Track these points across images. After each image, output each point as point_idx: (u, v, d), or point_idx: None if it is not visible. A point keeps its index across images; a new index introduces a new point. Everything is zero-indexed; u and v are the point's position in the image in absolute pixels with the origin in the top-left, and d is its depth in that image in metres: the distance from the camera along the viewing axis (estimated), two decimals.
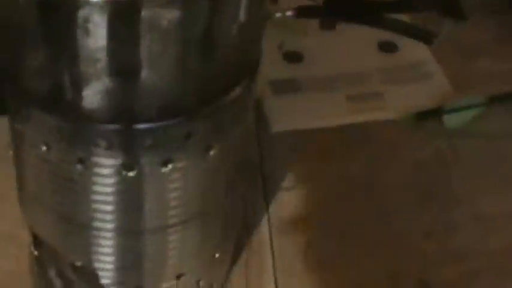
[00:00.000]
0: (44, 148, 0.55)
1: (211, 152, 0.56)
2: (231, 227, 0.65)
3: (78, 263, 0.61)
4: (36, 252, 0.67)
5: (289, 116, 0.83)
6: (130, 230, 0.58)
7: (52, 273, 0.67)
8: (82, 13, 0.47)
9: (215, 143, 0.56)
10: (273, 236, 0.72)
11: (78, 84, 0.51)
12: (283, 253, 0.71)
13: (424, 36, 0.64)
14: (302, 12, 0.57)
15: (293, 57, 0.90)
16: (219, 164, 0.57)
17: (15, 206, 0.65)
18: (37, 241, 0.66)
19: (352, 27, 0.93)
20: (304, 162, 0.79)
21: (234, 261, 0.69)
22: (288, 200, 0.75)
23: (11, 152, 0.70)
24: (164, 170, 0.55)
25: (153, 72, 0.50)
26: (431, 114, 0.87)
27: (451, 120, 0.87)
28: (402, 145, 0.84)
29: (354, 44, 0.94)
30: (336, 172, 0.79)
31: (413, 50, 0.95)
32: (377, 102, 0.87)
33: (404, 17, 0.78)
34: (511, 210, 0.78)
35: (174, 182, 0.56)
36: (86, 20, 0.48)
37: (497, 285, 0.70)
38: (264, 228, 0.73)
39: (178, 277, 0.63)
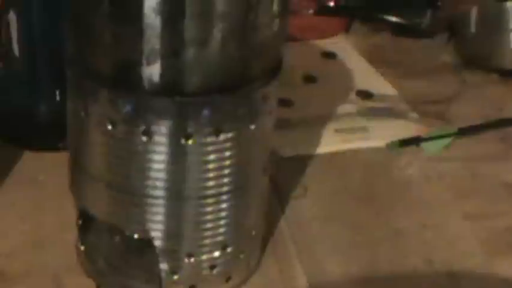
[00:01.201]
0: (110, 126, 0.64)
1: (253, 126, 0.66)
2: (264, 206, 0.74)
3: (134, 234, 0.68)
4: (82, 247, 0.75)
5: (289, 145, 0.93)
6: (185, 197, 0.66)
7: (101, 263, 0.74)
8: None
9: (257, 117, 0.66)
10: (292, 230, 0.81)
11: (142, 61, 0.61)
12: (303, 243, 0.80)
13: (413, 26, 0.76)
14: (321, 10, 0.68)
15: (285, 103, 1.02)
16: (260, 137, 0.67)
17: (49, 215, 0.74)
18: (83, 231, 0.74)
19: (331, 79, 1.06)
20: (308, 177, 0.89)
21: (263, 247, 0.77)
22: (299, 204, 0.85)
23: (40, 177, 0.79)
24: (217, 139, 0.64)
25: (201, 53, 0.60)
26: (412, 142, 0.98)
27: (429, 147, 0.98)
28: (390, 165, 0.94)
29: (335, 92, 1.06)
30: (336, 184, 0.89)
31: (385, 96, 1.07)
32: (362, 134, 0.98)
33: None
34: (485, 210, 0.88)
35: (225, 150, 0.65)
36: (150, 1, 0.58)
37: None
38: (282, 224, 0.82)
39: (223, 248, 0.70)
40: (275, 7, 0.61)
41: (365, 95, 1.06)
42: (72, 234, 0.75)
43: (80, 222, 0.74)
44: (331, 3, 0.69)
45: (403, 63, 1.19)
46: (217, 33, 0.59)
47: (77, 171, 0.69)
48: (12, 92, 0.87)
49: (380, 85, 1.09)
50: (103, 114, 0.63)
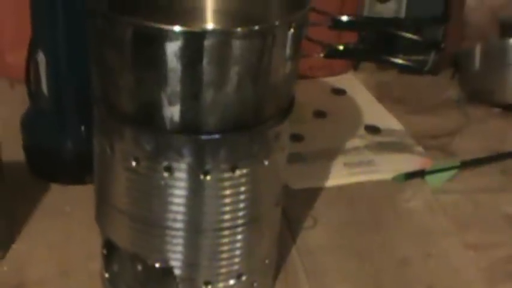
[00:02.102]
0: (134, 162, 0.69)
1: (266, 162, 0.71)
2: (276, 236, 0.78)
3: (155, 264, 0.73)
4: (107, 275, 0.79)
5: (300, 178, 0.98)
6: (203, 229, 0.71)
7: None
8: (169, 42, 0.63)
9: (270, 153, 0.70)
10: (302, 259, 0.85)
11: (164, 102, 0.65)
12: (313, 271, 0.84)
13: (418, 66, 0.81)
14: (330, 54, 0.73)
15: (296, 137, 1.06)
16: (274, 172, 0.72)
17: (76, 244, 0.79)
18: (108, 260, 0.79)
19: (340, 114, 1.11)
20: (318, 209, 0.94)
21: (275, 275, 0.82)
22: (309, 235, 0.89)
23: (67, 209, 0.84)
24: (233, 174, 0.69)
25: (221, 93, 0.65)
26: (416, 175, 1.02)
27: (433, 180, 1.02)
28: (395, 198, 0.99)
29: (344, 127, 1.11)
30: (344, 215, 0.94)
31: (392, 131, 1.12)
32: (370, 167, 1.03)
33: None
34: (486, 241, 0.92)
35: (240, 185, 0.70)
36: (171, 48, 0.63)
37: None
38: (294, 253, 0.86)
39: (238, 277, 0.75)
40: (287, 52, 0.66)
41: (373, 130, 1.11)
42: (97, 262, 0.80)
43: (105, 251, 0.79)
44: (341, 47, 0.74)
45: (409, 99, 1.24)
46: (233, 77, 0.64)
47: (103, 204, 0.74)
48: (40, 129, 0.92)
49: (387, 120, 1.13)
50: (127, 151, 0.68)
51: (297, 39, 0.65)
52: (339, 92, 1.21)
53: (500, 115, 1.21)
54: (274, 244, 0.78)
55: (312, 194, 0.97)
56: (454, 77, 1.28)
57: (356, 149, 1.06)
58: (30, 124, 0.93)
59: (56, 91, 0.89)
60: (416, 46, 0.76)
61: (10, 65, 1.11)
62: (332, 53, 0.70)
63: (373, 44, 0.88)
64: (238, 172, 0.68)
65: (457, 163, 1.04)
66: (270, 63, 0.65)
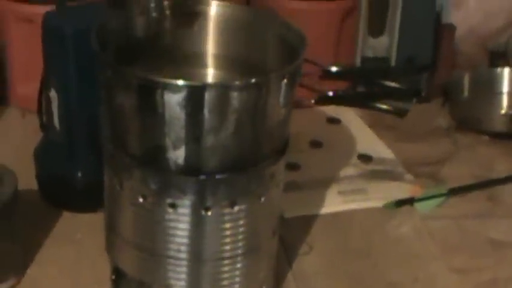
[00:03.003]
0: (141, 199, 0.75)
1: (263, 199, 0.76)
2: (273, 263, 0.83)
3: None
4: None
5: (296, 206, 1.04)
6: (204, 259, 0.76)
7: None
8: (172, 94, 0.68)
9: (266, 191, 0.76)
10: (298, 283, 0.91)
11: (169, 146, 0.71)
12: None
13: (399, 112, 0.87)
14: (321, 100, 0.79)
15: (292, 167, 1.12)
16: (270, 207, 0.77)
17: (86, 270, 0.86)
18: (116, 285, 0.84)
19: (335, 144, 1.17)
20: (312, 236, 0.99)
21: None
22: (304, 260, 0.95)
23: (78, 236, 0.89)
24: (231, 210, 0.75)
25: (219, 138, 0.71)
26: (406, 202, 1.08)
27: (422, 207, 1.08)
28: (385, 224, 1.04)
29: (338, 156, 1.17)
30: (338, 242, 0.99)
31: (384, 159, 1.17)
32: (362, 195, 1.08)
33: None
34: (471, 264, 0.98)
35: (239, 220, 0.75)
36: (174, 99, 0.69)
37: None
38: (289, 278, 0.92)
39: None
40: (281, 100, 0.71)
41: (365, 158, 1.16)
42: (107, 286, 0.85)
43: (113, 277, 0.84)
44: (330, 93, 0.79)
45: (401, 127, 1.29)
46: (231, 124, 0.69)
47: (111, 234, 0.79)
48: (52, 160, 0.98)
49: (379, 149, 1.19)
50: (135, 188, 0.74)
51: (290, 88, 0.71)
52: (334, 121, 1.26)
53: (488, 143, 1.25)
54: (271, 271, 0.84)
55: (307, 221, 1.02)
56: (445, 105, 1.33)
57: (349, 177, 1.11)
58: (42, 155, 0.98)
59: (67, 125, 0.95)
60: (400, 93, 0.81)
61: (21, 96, 1.17)
62: (322, 100, 0.76)
63: (361, 91, 0.94)
64: (236, 208, 0.74)
65: (445, 190, 1.09)
66: (265, 111, 0.70)
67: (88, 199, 0.97)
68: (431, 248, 1.00)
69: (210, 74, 0.81)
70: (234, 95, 0.68)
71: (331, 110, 1.29)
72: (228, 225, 0.74)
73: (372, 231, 1.02)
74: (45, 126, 0.98)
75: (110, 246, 0.80)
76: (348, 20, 1.27)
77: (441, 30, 1.38)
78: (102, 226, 0.83)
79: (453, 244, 1.02)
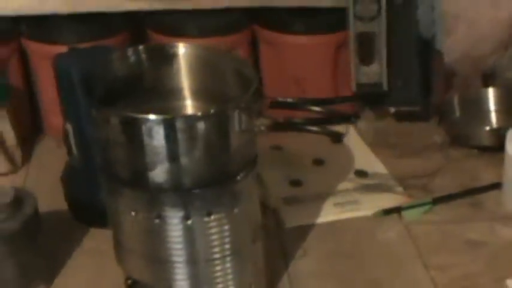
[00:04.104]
0: (133, 213, 0.84)
1: (236, 210, 0.85)
2: (261, 267, 0.91)
3: None
4: None
5: (295, 217, 1.12)
6: (194, 261, 0.85)
7: None
8: (148, 126, 0.77)
9: (238, 202, 0.84)
10: (292, 283, 0.99)
11: (150, 169, 0.80)
12: None
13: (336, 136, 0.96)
14: (273, 127, 0.88)
15: (295, 183, 1.20)
16: (245, 217, 0.86)
17: (108, 276, 0.95)
18: None
19: (336, 161, 1.24)
20: (308, 242, 1.07)
21: None
22: (300, 263, 1.03)
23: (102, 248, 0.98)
24: (208, 219, 0.83)
25: (192, 160, 0.80)
26: (394, 211, 1.15)
27: (409, 214, 1.15)
28: (374, 230, 1.11)
29: (338, 172, 1.24)
30: (330, 246, 1.07)
31: (378, 174, 1.24)
32: (355, 206, 1.15)
33: None
34: (449, 262, 1.05)
35: (217, 227, 0.84)
36: (151, 130, 0.78)
37: None
38: (285, 278, 1.00)
39: None
40: (241, 124, 0.80)
41: (361, 174, 1.24)
42: None
43: (129, 282, 0.93)
44: (281, 120, 0.89)
45: (400, 145, 1.36)
46: (200, 147, 0.80)
47: (118, 246, 0.89)
48: (76, 183, 1.08)
49: (375, 165, 1.26)
50: (127, 205, 0.83)
51: (247, 115, 0.80)
52: (337, 140, 1.34)
53: (476, 156, 1.31)
54: (261, 273, 0.92)
55: (304, 230, 1.10)
56: (440, 123, 1.40)
57: (345, 190, 1.19)
58: (67, 179, 1.08)
59: (83, 153, 1.04)
60: (336, 118, 0.90)
61: (55, 126, 1.26)
62: (275, 126, 0.85)
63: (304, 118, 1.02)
64: (213, 217, 0.82)
65: (429, 199, 1.15)
66: (228, 134, 0.80)
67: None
68: (413, 249, 1.07)
69: (189, 105, 0.91)
70: (200, 123, 0.78)
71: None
72: (210, 231, 0.84)
73: (361, 237, 1.09)
74: (68, 153, 1.08)
75: (118, 256, 0.90)
76: (342, 50, 1.35)
77: (433, 56, 1.45)
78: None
79: (433, 245, 1.08)
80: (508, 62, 1.49)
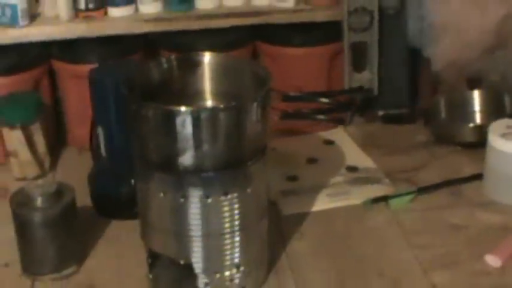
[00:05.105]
0: (162, 194, 1.13)
1: (249, 190, 1.14)
2: (265, 241, 1.20)
3: (181, 261, 1.16)
4: (151, 276, 1.23)
5: (292, 206, 1.41)
6: (211, 235, 1.13)
7: (163, 285, 1.22)
8: (181, 117, 1.07)
9: (251, 184, 1.14)
10: (290, 260, 1.28)
11: (178, 155, 1.09)
12: (297, 269, 1.26)
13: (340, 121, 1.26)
14: (284, 116, 1.18)
15: (292, 178, 1.49)
16: (255, 196, 1.14)
17: (129, 258, 1.23)
18: (151, 266, 1.22)
19: (328, 160, 1.54)
20: (304, 227, 1.36)
21: (268, 270, 1.24)
22: (296, 244, 1.32)
23: (123, 237, 1.27)
24: (225, 198, 1.12)
25: (214, 146, 1.08)
26: (381, 200, 1.44)
27: (394, 203, 1.44)
28: (363, 217, 1.40)
29: (330, 169, 1.54)
30: (324, 230, 1.36)
31: (367, 169, 1.54)
32: (346, 196, 1.45)
33: None
34: (431, 242, 1.33)
35: (233, 204, 1.12)
36: (183, 121, 1.06)
37: None
38: (283, 256, 1.29)
39: (238, 267, 1.17)
40: (256, 117, 1.09)
41: (352, 169, 1.53)
42: (144, 269, 1.23)
43: (149, 260, 1.22)
44: (290, 112, 1.19)
45: (388, 145, 1.65)
46: (221, 135, 1.07)
47: (144, 224, 1.18)
48: (102, 181, 1.37)
49: (365, 162, 1.56)
50: (157, 188, 1.12)
51: (262, 109, 1.09)
52: (329, 142, 1.64)
53: (459, 152, 1.61)
54: (264, 247, 1.21)
55: (301, 217, 1.39)
56: (426, 125, 1.69)
57: (337, 183, 1.48)
58: (94, 178, 1.38)
59: (112, 154, 1.34)
60: (338, 108, 1.20)
61: (77, 137, 1.58)
62: (285, 116, 1.14)
63: (311, 109, 1.33)
64: (229, 196, 1.11)
65: (414, 189, 1.45)
66: (245, 125, 1.08)
67: (130, 209, 1.35)
68: (398, 232, 1.36)
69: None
70: (222, 114, 1.06)
71: (327, 134, 1.67)
72: (224, 209, 1.11)
73: (351, 222, 1.38)
74: (95, 156, 1.38)
75: (144, 233, 1.18)
76: (336, 59, 1.66)
77: (421, 64, 1.75)
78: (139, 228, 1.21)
79: (417, 229, 1.37)
80: (493, 66, 1.79)
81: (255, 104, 1.09)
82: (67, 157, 1.62)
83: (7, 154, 1.50)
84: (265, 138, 1.14)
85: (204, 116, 1.05)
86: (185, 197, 1.10)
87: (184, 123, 1.04)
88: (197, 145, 1.06)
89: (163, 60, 1.19)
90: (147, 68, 1.18)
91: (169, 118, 1.05)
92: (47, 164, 1.53)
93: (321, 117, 1.28)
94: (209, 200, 1.10)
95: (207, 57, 1.19)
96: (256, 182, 1.13)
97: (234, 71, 1.19)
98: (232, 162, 1.10)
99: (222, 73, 1.20)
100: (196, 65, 1.19)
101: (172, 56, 1.19)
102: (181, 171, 1.08)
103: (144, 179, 1.12)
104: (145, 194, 1.13)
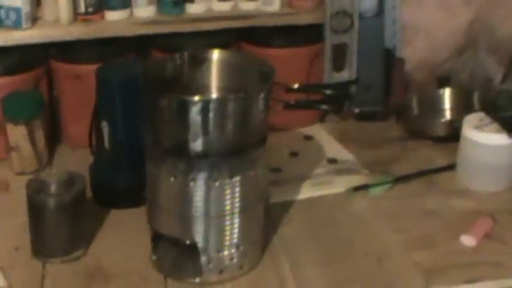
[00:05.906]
0: (172, 179, 1.35)
1: (251, 173, 1.37)
2: (261, 222, 1.43)
3: (186, 241, 1.38)
4: (154, 257, 1.45)
5: (279, 194, 1.64)
6: (213, 216, 1.35)
7: (166, 264, 1.44)
8: (195, 106, 1.29)
9: (253, 168, 1.36)
10: (281, 242, 1.51)
11: (189, 141, 1.31)
12: (288, 250, 1.49)
13: (338, 108, 1.50)
14: (286, 106, 1.41)
15: (275, 170, 1.72)
16: (256, 179, 1.37)
17: (133, 242, 1.43)
18: (155, 247, 1.43)
19: (309, 153, 1.78)
20: (292, 213, 1.59)
21: (263, 250, 1.47)
22: (286, 229, 1.55)
23: (124, 224, 1.49)
24: (230, 180, 1.35)
25: (223, 133, 1.31)
26: (362, 188, 1.68)
27: (374, 191, 1.68)
28: (346, 203, 1.64)
29: (311, 161, 1.78)
30: (310, 216, 1.59)
31: (346, 161, 1.78)
32: (329, 185, 1.68)
33: None
34: (408, 226, 1.58)
35: (237, 187, 1.34)
36: (196, 110, 1.29)
37: None
38: (275, 239, 1.52)
39: (237, 247, 1.40)
40: (260, 107, 1.31)
41: (332, 161, 1.77)
42: (147, 250, 1.44)
43: (153, 242, 1.44)
44: (293, 102, 1.42)
45: (363, 140, 1.89)
46: (229, 123, 1.29)
47: (152, 206, 1.39)
48: (103, 173, 1.59)
49: (343, 154, 1.80)
50: (168, 172, 1.34)
51: (266, 100, 1.31)
52: (308, 138, 1.88)
53: (431, 146, 1.85)
54: (260, 229, 1.43)
55: (288, 204, 1.61)
56: (398, 121, 1.94)
57: (320, 174, 1.71)
58: (95, 170, 1.60)
59: (114, 147, 1.55)
60: (335, 98, 1.44)
61: (71, 135, 1.81)
62: (288, 106, 1.38)
63: (310, 99, 1.57)
64: (234, 179, 1.34)
65: (393, 178, 1.69)
66: (250, 114, 1.30)
67: (130, 200, 1.56)
68: (378, 216, 1.59)
69: None
70: (230, 104, 1.28)
71: (306, 130, 1.91)
72: (228, 191, 1.34)
73: (335, 208, 1.62)
74: (97, 149, 1.59)
75: (151, 216, 1.40)
76: (315, 60, 1.90)
77: (393, 64, 2.00)
78: (140, 216, 1.44)
79: (395, 214, 1.60)
80: (462, 65, 2.06)
81: (261, 96, 1.31)
82: (61, 154, 1.83)
83: (9, 149, 1.70)
84: (266, 126, 1.36)
85: (215, 105, 1.28)
86: (194, 180, 1.31)
87: (198, 112, 1.26)
88: (208, 132, 1.28)
89: (177, 56, 1.41)
90: (162, 64, 1.41)
91: (184, 107, 1.27)
92: (45, 159, 1.74)
93: (323, 106, 1.52)
94: (216, 183, 1.32)
95: (212, 54, 1.42)
96: (258, 165, 1.35)
97: (239, 67, 1.42)
98: (239, 148, 1.32)
99: (228, 69, 1.43)
100: (203, 61, 1.42)
101: (185, 52, 1.41)
102: (192, 156, 1.30)
103: (156, 164, 1.34)
104: (156, 178, 1.35)
